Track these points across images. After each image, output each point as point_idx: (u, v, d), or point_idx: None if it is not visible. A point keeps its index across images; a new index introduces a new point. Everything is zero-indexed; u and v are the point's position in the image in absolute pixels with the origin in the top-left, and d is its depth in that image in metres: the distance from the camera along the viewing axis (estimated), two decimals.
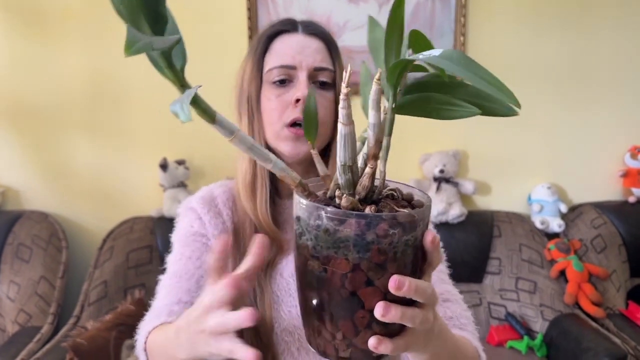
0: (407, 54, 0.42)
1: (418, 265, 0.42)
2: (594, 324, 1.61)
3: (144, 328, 0.70)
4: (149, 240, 1.79)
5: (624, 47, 1.92)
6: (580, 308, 1.71)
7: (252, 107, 0.76)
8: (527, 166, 1.99)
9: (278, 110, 0.73)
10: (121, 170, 1.93)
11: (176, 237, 0.81)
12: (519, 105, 0.31)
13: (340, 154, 0.41)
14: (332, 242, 0.38)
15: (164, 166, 1.84)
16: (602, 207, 1.91)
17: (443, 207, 1.82)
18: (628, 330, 1.59)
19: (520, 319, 1.73)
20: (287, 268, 0.74)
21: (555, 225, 1.88)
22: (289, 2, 1.85)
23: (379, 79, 0.39)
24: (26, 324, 1.62)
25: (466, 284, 1.82)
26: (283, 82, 0.75)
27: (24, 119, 1.89)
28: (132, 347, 1.47)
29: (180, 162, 1.89)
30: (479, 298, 1.80)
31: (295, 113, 0.72)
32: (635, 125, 1.98)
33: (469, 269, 1.82)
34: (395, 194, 0.44)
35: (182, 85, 0.37)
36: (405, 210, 0.41)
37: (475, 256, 1.83)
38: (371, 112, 0.41)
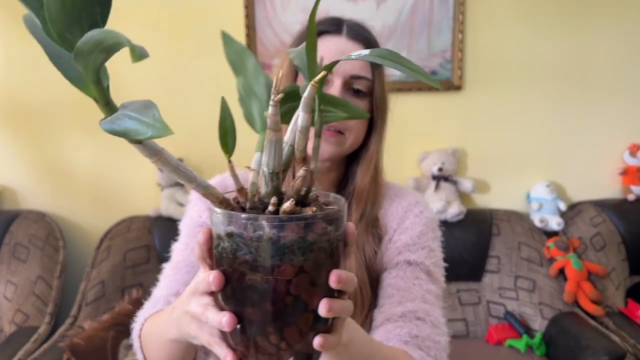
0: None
1: (341, 257, 0.44)
2: (593, 322, 1.61)
3: (141, 316, 0.72)
4: (147, 240, 1.79)
5: (623, 44, 1.92)
6: (579, 306, 1.71)
7: None
8: (526, 164, 1.99)
9: None
10: (118, 169, 1.92)
11: (184, 225, 0.81)
12: (440, 86, 0.40)
13: (269, 161, 0.41)
14: (276, 250, 0.38)
15: None
16: (601, 205, 1.91)
17: (442, 205, 1.82)
18: (627, 329, 1.59)
19: (520, 317, 1.73)
20: None
21: (555, 223, 1.88)
22: (286, 0, 1.84)
23: (316, 82, 0.40)
24: (23, 324, 1.61)
25: (465, 282, 1.82)
26: None
27: (21, 118, 1.89)
28: (129, 347, 1.46)
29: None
30: (477, 297, 1.80)
31: None
32: (634, 123, 1.97)
33: (467, 268, 1.82)
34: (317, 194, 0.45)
35: (108, 102, 0.35)
36: (334, 207, 0.42)
37: (474, 255, 1.82)
38: (303, 115, 0.42)
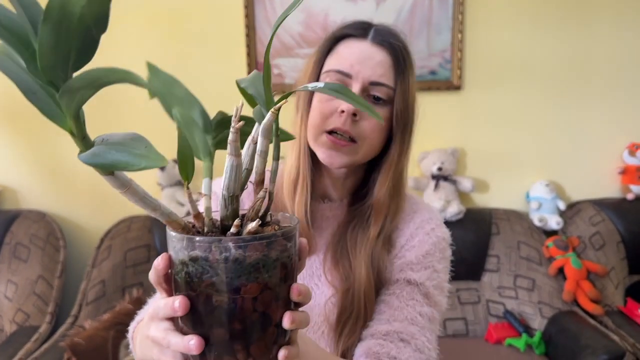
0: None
1: (295, 271, 0.46)
2: (592, 321, 1.61)
3: (138, 316, 0.72)
4: (147, 239, 1.79)
5: (622, 43, 1.92)
6: (578, 305, 1.71)
7: (306, 103, 0.75)
8: (525, 163, 1.99)
9: (324, 114, 0.72)
10: None
11: None
12: (382, 120, 0.44)
13: (229, 185, 0.42)
14: (242, 270, 0.40)
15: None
16: (600, 204, 1.91)
17: (441, 204, 1.82)
18: (626, 328, 1.59)
19: (519, 316, 1.73)
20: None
21: (554, 222, 1.88)
22: (286, 0, 1.84)
23: (276, 110, 0.41)
24: (24, 324, 1.62)
25: (464, 281, 1.82)
26: None
27: (21, 118, 1.89)
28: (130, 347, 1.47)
29: None
30: (477, 296, 1.80)
31: (338, 122, 0.70)
32: (633, 122, 1.98)
33: (467, 267, 1.82)
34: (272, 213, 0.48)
35: (84, 136, 0.36)
36: (290, 225, 0.45)
37: (473, 254, 1.83)
38: (261, 140, 0.44)
